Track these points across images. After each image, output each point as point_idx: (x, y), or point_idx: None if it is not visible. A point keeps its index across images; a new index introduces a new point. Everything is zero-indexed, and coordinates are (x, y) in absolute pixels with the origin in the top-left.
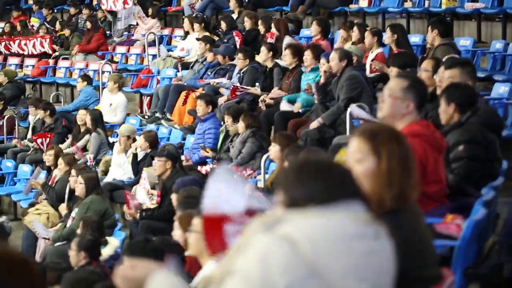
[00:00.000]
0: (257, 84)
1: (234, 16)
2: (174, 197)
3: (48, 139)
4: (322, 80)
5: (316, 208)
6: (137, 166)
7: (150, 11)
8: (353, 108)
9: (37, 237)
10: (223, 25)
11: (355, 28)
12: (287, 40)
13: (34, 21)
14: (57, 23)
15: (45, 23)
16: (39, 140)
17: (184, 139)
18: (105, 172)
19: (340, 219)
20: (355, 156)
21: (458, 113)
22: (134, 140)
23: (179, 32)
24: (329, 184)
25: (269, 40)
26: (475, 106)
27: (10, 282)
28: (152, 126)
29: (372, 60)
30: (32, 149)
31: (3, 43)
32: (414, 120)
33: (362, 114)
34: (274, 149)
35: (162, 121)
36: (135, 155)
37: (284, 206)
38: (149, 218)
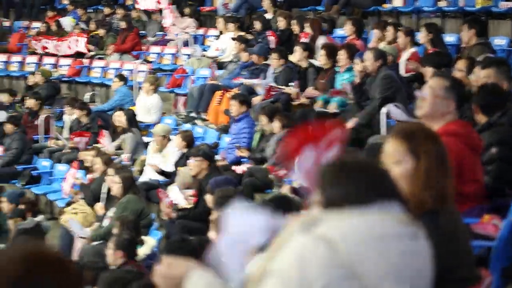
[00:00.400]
0: (291, 84)
1: (268, 16)
2: (208, 198)
3: (87, 139)
4: (357, 80)
5: (353, 208)
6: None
7: (186, 10)
8: (391, 108)
9: (73, 236)
10: (257, 25)
11: (389, 28)
12: (321, 40)
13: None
14: (92, 23)
15: (80, 23)
16: (76, 139)
17: (219, 139)
18: (141, 172)
19: (377, 220)
20: (392, 157)
21: (482, 114)
22: (169, 139)
23: (213, 32)
24: (366, 184)
25: (303, 40)
26: (506, 106)
27: (47, 281)
28: (187, 126)
29: (407, 60)
30: (68, 148)
31: (40, 43)
32: (452, 120)
33: (399, 114)
34: None
35: (197, 121)
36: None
37: (321, 206)
38: (185, 218)
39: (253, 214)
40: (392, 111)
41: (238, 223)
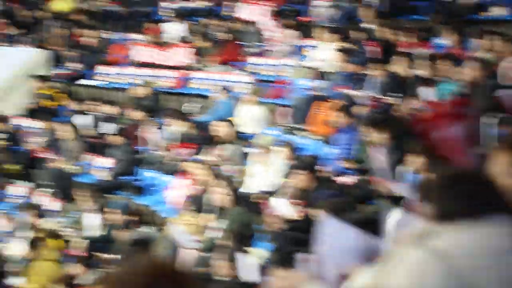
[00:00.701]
0: (394, 94)
1: (369, 25)
2: (314, 210)
3: (192, 150)
4: (460, 90)
5: (466, 221)
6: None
7: (286, 21)
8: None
9: (179, 247)
10: (358, 35)
11: (491, 36)
12: (421, 49)
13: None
14: (192, 34)
15: (181, 34)
16: (182, 151)
17: (322, 150)
18: (244, 183)
19: (490, 233)
20: (502, 169)
21: None
22: (272, 151)
23: (312, 42)
24: (475, 197)
25: (404, 49)
26: None
27: None
28: (289, 137)
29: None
30: (171, 159)
31: (140, 54)
32: None
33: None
34: (415, 160)
35: (299, 132)
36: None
37: (433, 219)
38: (292, 230)
39: (348, 232)
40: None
41: (333, 241)
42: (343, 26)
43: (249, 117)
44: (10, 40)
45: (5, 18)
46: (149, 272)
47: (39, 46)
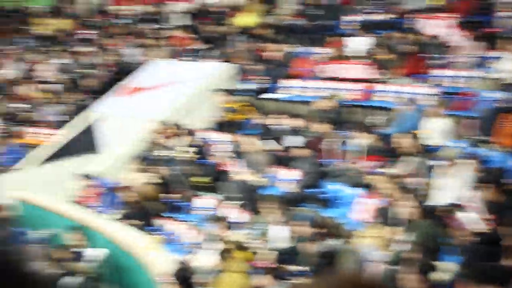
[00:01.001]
0: None
1: None
2: (503, 224)
3: (379, 163)
4: None
5: None
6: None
7: (470, 33)
8: None
9: (366, 260)
10: None
11: None
12: None
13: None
14: (377, 47)
15: (365, 47)
16: (367, 163)
17: (509, 162)
18: (430, 196)
19: None
20: None
21: None
22: (458, 163)
23: (497, 53)
24: None
25: None
26: None
27: None
28: (476, 149)
29: None
30: (356, 172)
31: (322, 68)
32: None
33: None
34: None
35: (486, 144)
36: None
37: None
38: (482, 243)
39: None
40: None
41: None
42: None
43: (435, 129)
44: (197, 55)
45: (192, 33)
46: (342, 286)
47: (225, 61)
